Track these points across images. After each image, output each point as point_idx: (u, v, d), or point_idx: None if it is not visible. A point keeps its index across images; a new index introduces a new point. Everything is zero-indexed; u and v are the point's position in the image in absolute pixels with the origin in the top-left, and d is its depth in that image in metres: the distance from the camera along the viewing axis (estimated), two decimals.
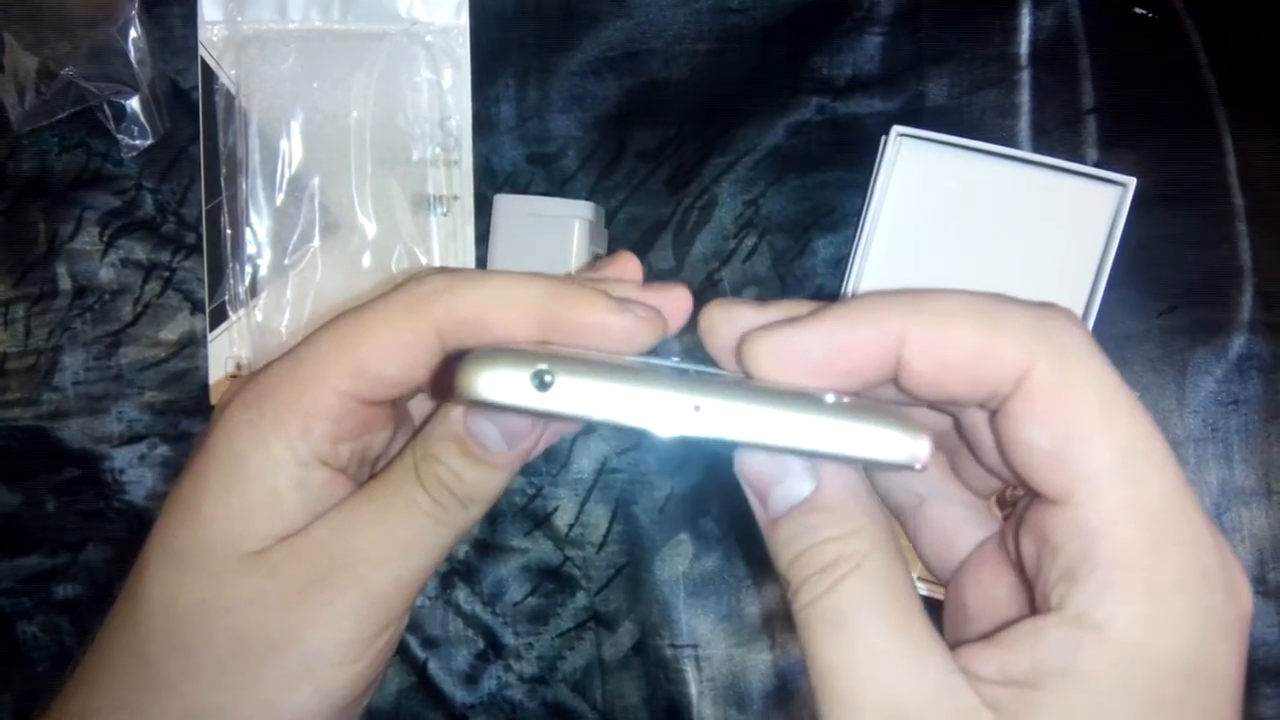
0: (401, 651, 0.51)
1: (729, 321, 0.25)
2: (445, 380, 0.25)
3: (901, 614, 0.21)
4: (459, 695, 0.51)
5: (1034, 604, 0.23)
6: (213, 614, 0.25)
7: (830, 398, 0.21)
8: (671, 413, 0.20)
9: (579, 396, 0.21)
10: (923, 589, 0.46)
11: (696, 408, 0.20)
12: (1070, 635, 0.20)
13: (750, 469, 0.24)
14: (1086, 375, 0.21)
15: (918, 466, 0.21)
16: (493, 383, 0.20)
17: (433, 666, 0.51)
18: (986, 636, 0.22)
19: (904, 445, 0.21)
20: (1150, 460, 0.21)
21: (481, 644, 0.51)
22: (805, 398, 0.21)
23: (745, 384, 0.22)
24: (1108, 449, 0.21)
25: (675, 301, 0.26)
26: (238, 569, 0.25)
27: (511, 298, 0.25)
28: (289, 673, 0.25)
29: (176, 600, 0.25)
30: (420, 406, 0.30)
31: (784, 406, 0.21)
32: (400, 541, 0.26)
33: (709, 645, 0.50)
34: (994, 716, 0.20)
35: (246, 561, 0.25)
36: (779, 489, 0.23)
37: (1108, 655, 0.20)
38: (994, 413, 0.22)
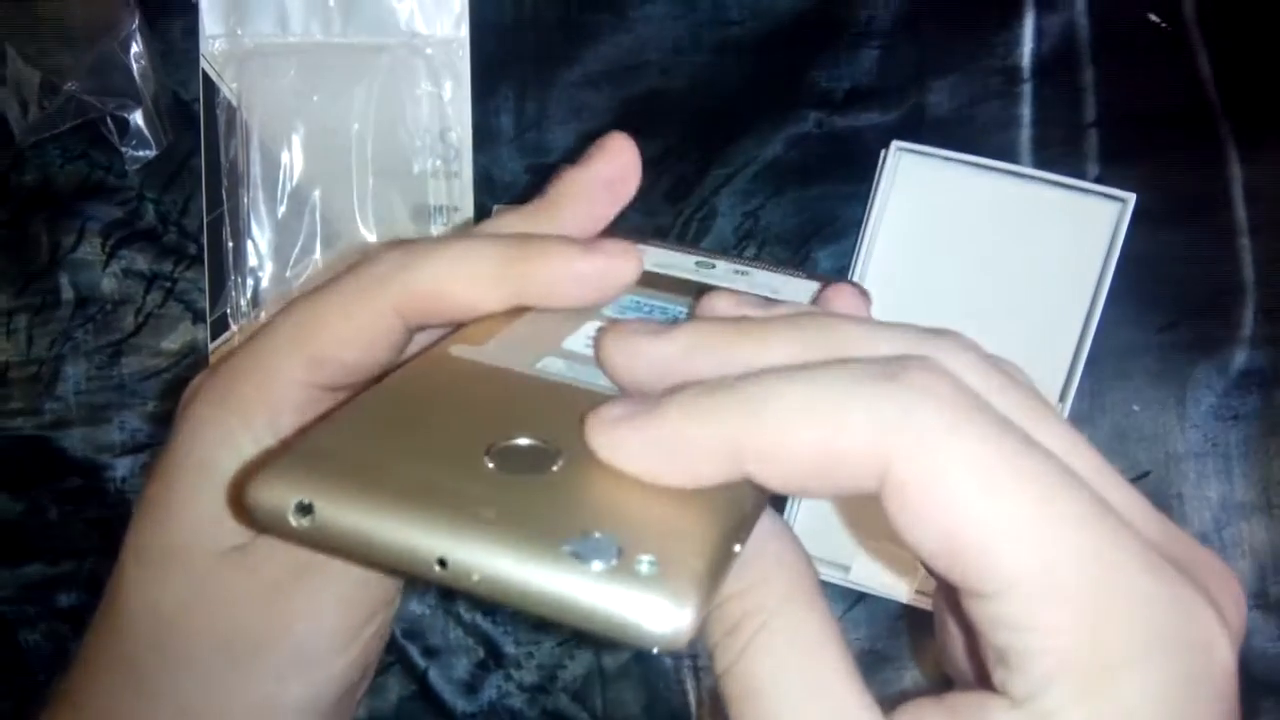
0: (402, 660, 0.51)
1: (625, 358, 0.22)
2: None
3: (816, 674, 0.19)
4: (459, 704, 0.51)
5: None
6: (196, 615, 0.24)
7: (608, 552, 0.18)
8: (417, 564, 0.18)
9: (337, 533, 0.19)
10: (914, 599, 0.46)
11: (441, 561, 0.18)
12: None
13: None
14: (950, 454, 0.18)
15: (656, 650, 0.17)
16: (259, 503, 0.19)
17: (433, 675, 0.51)
18: (939, 695, 0.20)
19: (654, 621, 0.17)
20: (1057, 521, 0.18)
21: (482, 653, 0.51)
22: (572, 558, 0.17)
23: (507, 524, 0.18)
24: (1002, 534, 0.18)
25: (622, 174, 0.25)
26: (217, 567, 0.24)
27: (469, 266, 0.24)
28: (279, 669, 0.24)
29: (158, 604, 0.25)
30: None
31: (535, 565, 0.17)
32: None
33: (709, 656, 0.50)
34: None
35: (225, 559, 0.24)
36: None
37: None
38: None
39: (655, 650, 0.17)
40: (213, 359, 0.51)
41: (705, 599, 0.17)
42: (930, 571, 0.20)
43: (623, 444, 0.20)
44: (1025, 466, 0.18)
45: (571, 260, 0.23)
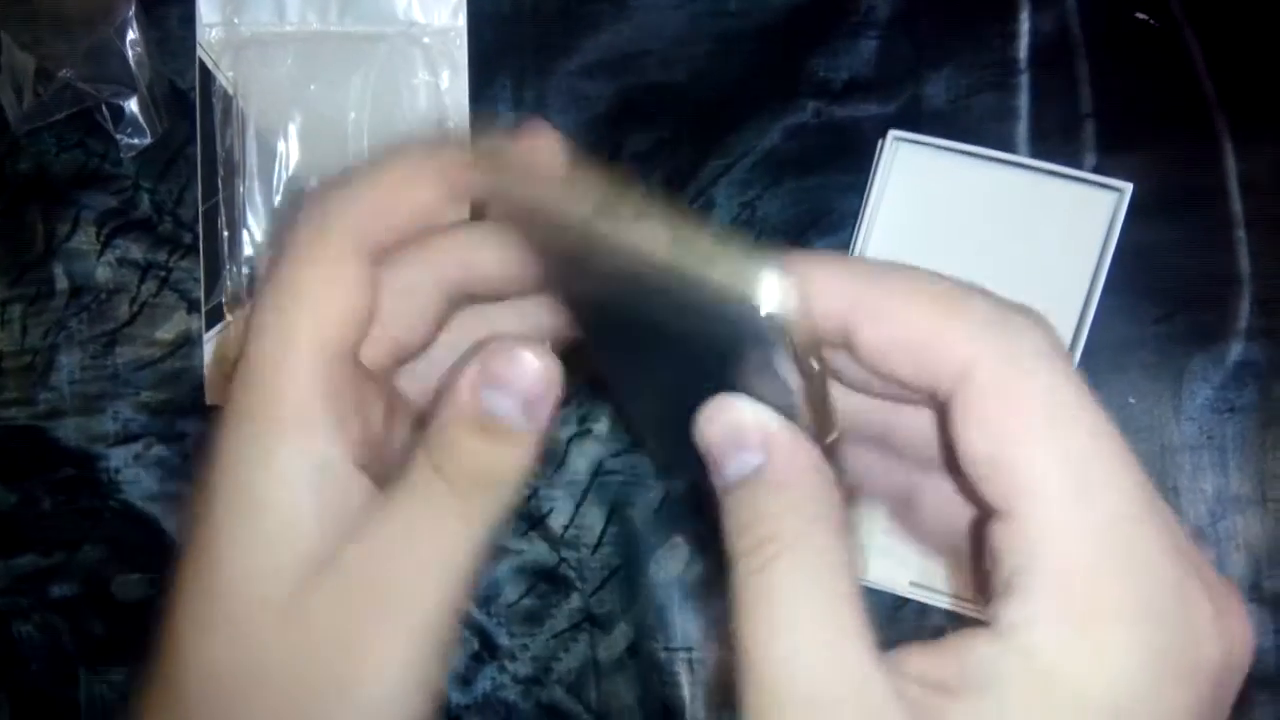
0: None
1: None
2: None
3: (828, 599, 0.20)
4: (453, 696, 0.51)
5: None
6: (253, 679, 0.23)
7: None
8: None
9: None
10: (910, 592, 0.46)
11: None
12: (997, 652, 0.19)
13: (709, 436, 0.23)
14: (1036, 377, 0.20)
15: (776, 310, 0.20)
16: None
17: None
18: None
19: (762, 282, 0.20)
20: (1104, 476, 0.19)
21: (476, 645, 0.51)
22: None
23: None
24: (1051, 459, 0.19)
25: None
26: (270, 624, 0.22)
27: (411, 169, 0.25)
28: None
29: (213, 667, 0.23)
30: (412, 387, 0.28)
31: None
32: (437, 556, 0.23)
33: (703, 648, 0.50)
34: (903, 713, 0.19)
35: (278, 615, 0.22)
36: (732, 460, 0.22)
37: (1031, 680, 0.19)
38: (942, 411, 0.21)
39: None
40: (206, 348, 0.51)
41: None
42: (962, 490, 0.22)
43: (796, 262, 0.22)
44: (1096, 418, 0.20)
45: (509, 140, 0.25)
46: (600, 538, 0.51)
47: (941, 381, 0.21)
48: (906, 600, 0.47)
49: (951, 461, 0.22)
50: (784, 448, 0.22)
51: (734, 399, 0.23)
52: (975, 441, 0.20)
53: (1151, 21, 0.49)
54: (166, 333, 0.51)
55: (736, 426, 0.22)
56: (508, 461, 0.24)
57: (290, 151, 0.50)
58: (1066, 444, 0.19)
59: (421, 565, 0.23)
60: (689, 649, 0.50)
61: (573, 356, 0.26)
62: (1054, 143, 0.49)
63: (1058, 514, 0.19)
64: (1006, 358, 0.20)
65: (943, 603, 0.45)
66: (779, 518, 0.21)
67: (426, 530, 0.23)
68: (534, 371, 0.23)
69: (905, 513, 0.28)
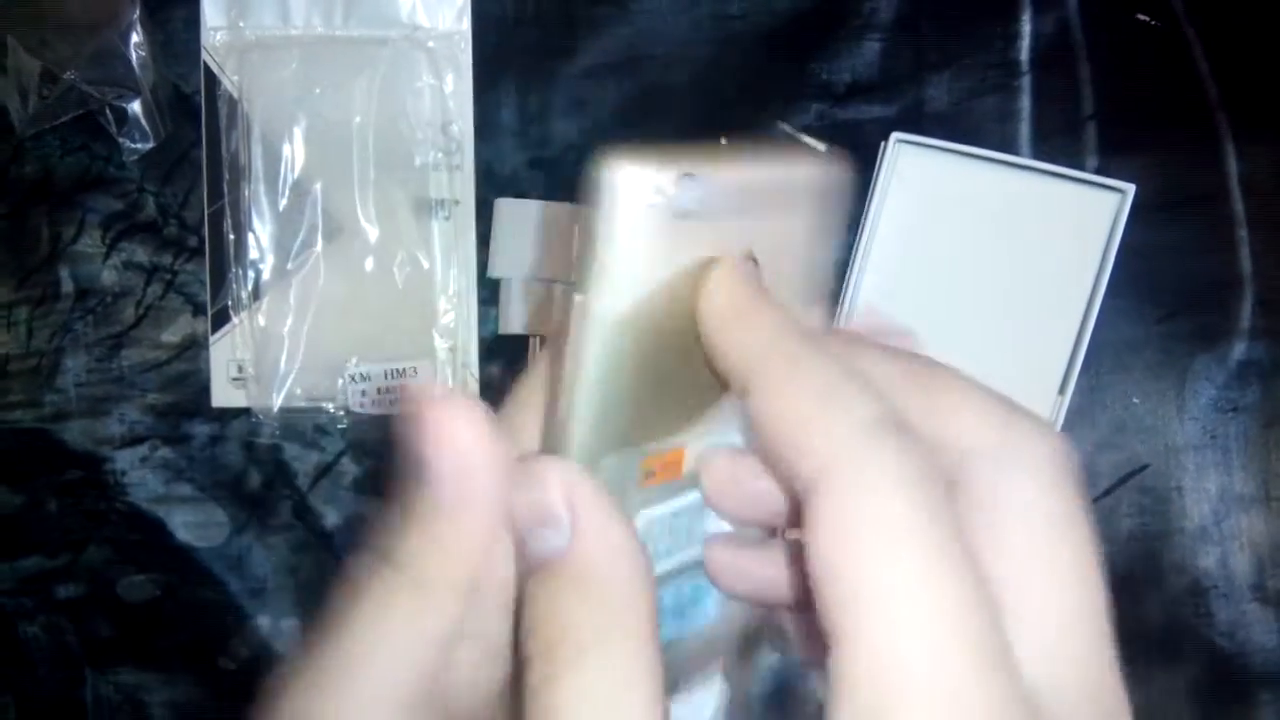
0: None
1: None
2: None
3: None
4: None
5: None
6: None
7: None
8: None
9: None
10: None
11: None
12: None
13: (517, 507, 0.20)
14: (877, 500, 0.17)
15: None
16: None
17: None
18: None
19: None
20: (931, 612, 0.17)
21: None
22: None
23: None
24: (871, 588, 0.17)
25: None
26: None
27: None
28: None
29: None
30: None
31: None
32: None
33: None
34: None
35: None
36: (533, 536, 0.20)
37: None
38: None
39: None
40: (212, 351, 0.51)
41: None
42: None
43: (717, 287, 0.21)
44: (933, 552, 0.17)
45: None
46: None
47: (799, 479, 0.18)
48: None
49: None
50: (595, 526, 0.19)
51: (552, 460, 0.20)
52: (812, 555, 0.18)
53: (1153, 22, 0.49)
54: (172, 335, 0.52)
55: (543, 493, 0.20)
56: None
57: (295, 154, 0.50)
58: (893, 571, 0.17)
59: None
60: None
61: None
62: (1056, 144, 0.50)
63: (873, 652, 0.17)
64: (857, 477, 0.17)
65: None
66: (575, 617, 0.19)
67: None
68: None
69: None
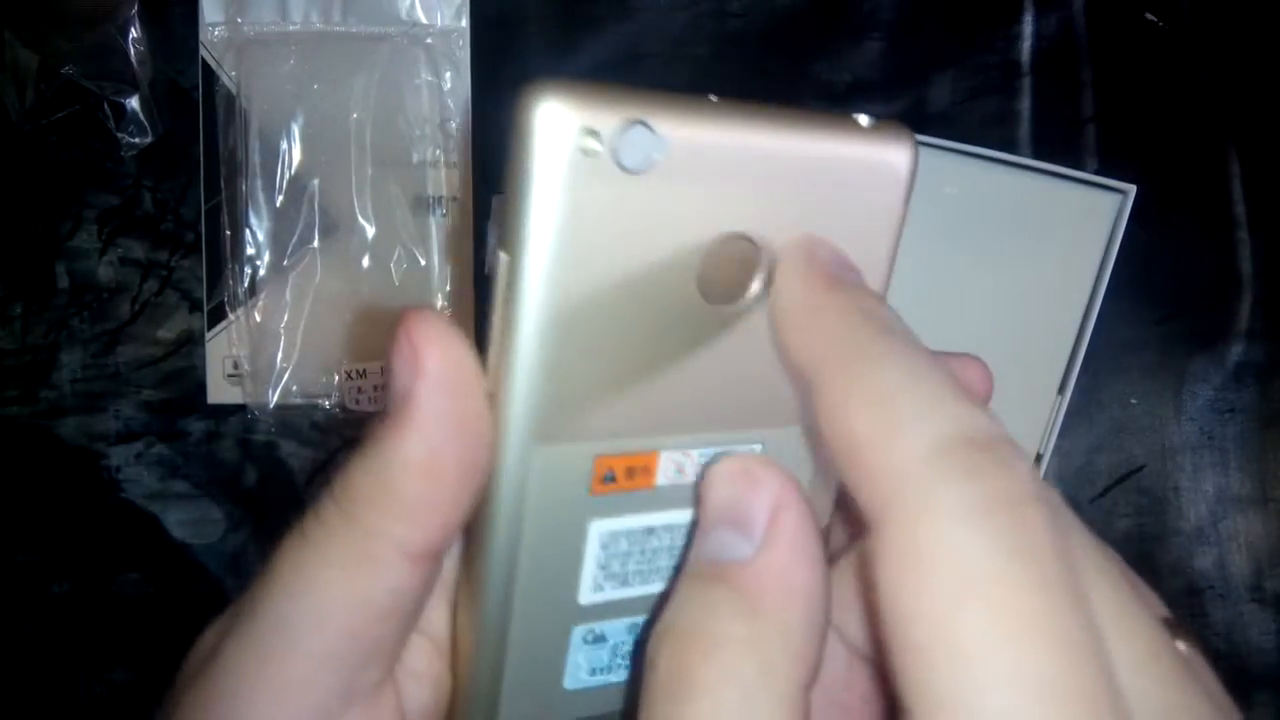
0: None
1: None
2: None
3: None
4: None
5: None
6: None
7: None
8: None
9: None
10: None
11: None
12: None
13: (711, 498, 0.18)
14: (953, 540, 0.15)
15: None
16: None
17: None
18: None
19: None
20: (1030, 666, 0.14)
21: None
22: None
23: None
24: (957, 652, 0.14)
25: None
26: None
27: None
28: None
29: None
30: None
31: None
32: None
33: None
34: None
35: None
36: (713, 536, 0.18)
37: None
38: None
39: None
40: (208, 348, 0.51)
41: None
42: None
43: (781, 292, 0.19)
44: (1030, 600, 0.14)
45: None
46: None
47: (864, 507, 0.16)
48: None
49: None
50: (788, 549, 0.17)
51: (768, 464, 0.18)
52: (880, 596, 0.15)
53: (1159, 23, 0.49)
54: (168, 332, 0.51)
55: (749, 493, 0.18)
56: None
57: (293, 151, 0.50)
58: (980, 630, 0.14)
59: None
60: None
61: None
62: (1057, 145, 0.50)
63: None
64: (922, 510, 0.15)
65: None
66: (729, 632, 0.16)
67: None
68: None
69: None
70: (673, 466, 0.20)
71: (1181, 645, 0.16)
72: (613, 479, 0.19)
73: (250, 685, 0.19)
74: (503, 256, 0.17)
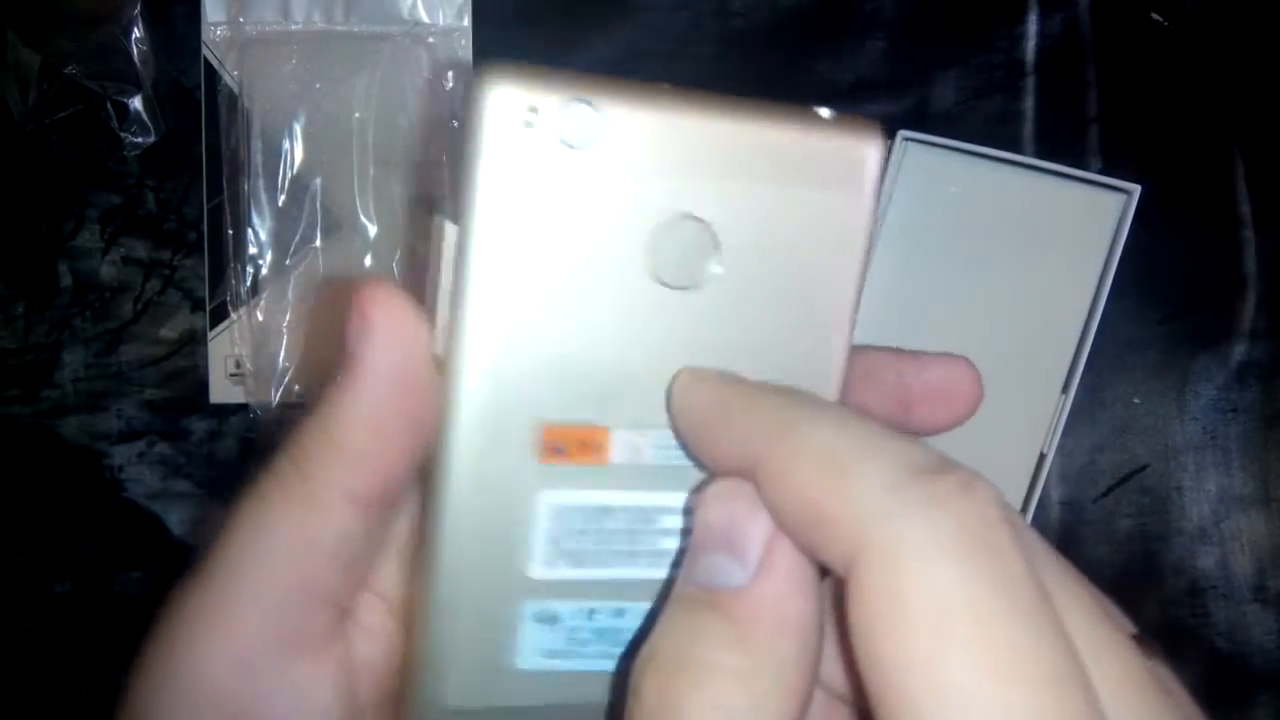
0: None
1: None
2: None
3: None
4: None
5: None
6: None
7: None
8: None
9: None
10: None
11: None
12: None
13: (704, 520, 0.18)
14: (931, 575, 0.14)
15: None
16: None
17: None
18: None
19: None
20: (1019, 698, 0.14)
21: None
22: None
23: None
24: (937, 687, 0.14)
25: None
26: None
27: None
28: None
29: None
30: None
31: None
32: None
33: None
34: None
35: None
36: (705, 559, 0.17)
37: None
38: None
39: None
40: (211, 347, 0.51)
41: None
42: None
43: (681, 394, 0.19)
44: (1014, 632, 0.14)
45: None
46: None
47: (834, 564, 0.16)
48: None
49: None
50: (786, 582, 0.17)
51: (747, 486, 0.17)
52: (860, 653, 0.15)
53: (1165, 23, 0.49)
54: (170, 331, 0.51)
55: (744, 518, 0.17)
56: None
57: (295, 150, 0.50)
58: (964, 669, 0.14)
59: None
60: None
61: None
62: (1061, 145, 0.49)
63: None
64: (890, 550, 0.15)
65: None
66: (720, 664, 0.16)
67: None
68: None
69: None
70: (628, 446, 0.20)
71: (1151, 662, 0.16)
72: (563, 451, 0.20)
73: (202, 632, 0.20)
74: (447, 226, 0.18)
